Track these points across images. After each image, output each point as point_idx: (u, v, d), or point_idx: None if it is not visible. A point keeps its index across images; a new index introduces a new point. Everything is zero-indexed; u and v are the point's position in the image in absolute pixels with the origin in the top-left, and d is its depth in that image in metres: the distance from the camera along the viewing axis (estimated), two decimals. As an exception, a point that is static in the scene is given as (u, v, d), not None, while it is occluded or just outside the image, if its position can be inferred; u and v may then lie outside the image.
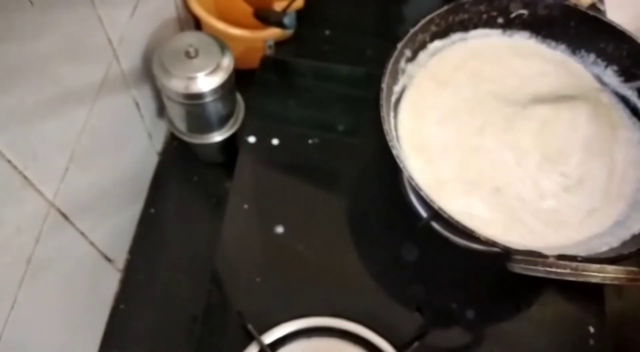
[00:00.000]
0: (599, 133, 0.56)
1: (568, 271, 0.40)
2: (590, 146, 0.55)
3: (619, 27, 0.55)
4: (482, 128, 0.56)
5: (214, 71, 0.61)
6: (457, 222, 0.45)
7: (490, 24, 0.60)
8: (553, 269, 0.41)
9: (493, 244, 0.45)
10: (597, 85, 0.59)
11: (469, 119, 0.57)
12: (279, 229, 0.59)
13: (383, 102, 0.50)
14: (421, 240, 0.58)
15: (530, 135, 0.56)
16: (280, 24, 0.68)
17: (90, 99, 0.54)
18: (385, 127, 0.49)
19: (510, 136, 0.56)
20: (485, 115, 0.57)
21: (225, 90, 0.64)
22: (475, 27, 0.60)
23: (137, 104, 0.66)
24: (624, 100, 0.57)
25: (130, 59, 0.62)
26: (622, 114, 0.57)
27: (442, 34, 0.58)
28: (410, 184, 0.49)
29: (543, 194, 0.53)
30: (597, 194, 0.53)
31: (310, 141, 0.65)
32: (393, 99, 0.55)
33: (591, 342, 0.54)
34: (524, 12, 0.59)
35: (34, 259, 0.47)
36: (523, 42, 0.61)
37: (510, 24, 0.60)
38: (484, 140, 0.55)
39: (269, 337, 0.52)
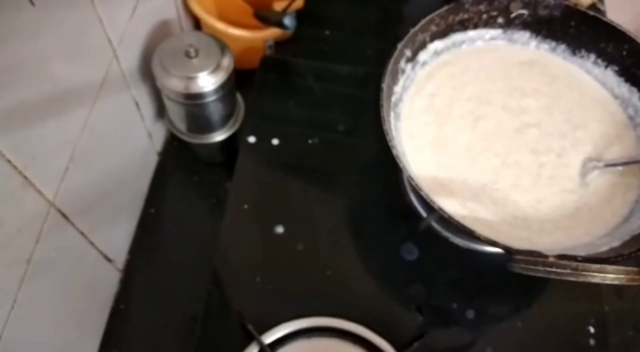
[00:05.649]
0: (602, 135, 0.56)
1: (568, 271, 0.40)
2: (592, 148, 0.55)
3: (619, 27, 0.55)
4: (483, 129, 0.56)
5: (214, 71, 0.61)
6: (457, 222, 0.45)
7: (490, 24, 0.60)
8: (553, 269, 0.41)
9: (493, 244, 0.45)
10: (602, 87, 0.59)
11: (469, 120, 0.57)
12: (279, 229, 0.59)
13: (383, 102, 0.50)
14: (421, 240, 0.58)
15: (533, 136, 0.56)
16: (280, 24, 0.68)
17: (90, 99, 0.54)
18: (385, 127, 0.49)
19: (513, 137, 0.56)
20: (487, 117, 0.57)
21: (225, 90, 0.64)
22: (475, 27, 0.60)
23: (137, 104, 0.66)
24: (626, 101, 0.57)
25: (130, 59, 0.62)
26: (623, 116, 0.57)
27: (442, 34, 0.58)
28: (410, 184, 0.49)
29: (544, 195, 0.53)
30: (598, 195, 0.53)
31: (310, 141, 0.65)
32: (393, 99, 0.55)
33: (591, 342, 0.54)
34: (524, 12, 0.59)
35: (34, 259, 0.47)
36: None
37: (510, 24, 0.60)
38: (485, 141, 0.55)
39: (269, 337, 0.52)
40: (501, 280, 0.56)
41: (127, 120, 0.66)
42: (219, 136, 0.72)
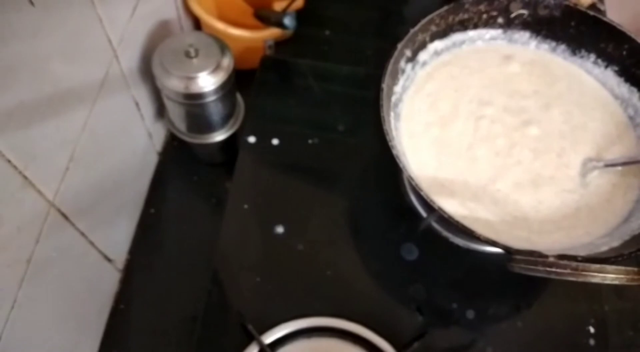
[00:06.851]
0: (602, 135, 0.56)
1: (568, 271, 0.40)
2: (593, 148, 0.55)
3: (619, 27, 0.55)
4: (484, 129, 0.56)
5: (214, 71, 0.61)
6: (457, 222, 0.45)
7: (490, 24, 0.60)
8: (553, 269, 0.41)
9: (493, 243, 0.45)
10: (602, 87, 0.59)
11: (470, 120, 0.57)
12: (279, 229, 0.59)
13: (383, 102, 0.50)
14: (421, 240, 0.58)
15: (534, 136, 0.56)
16: (280, 24, 0.68)
17: (90, 99, 0.54)
18: (385, 127, 0.49)
19: (513, 137, 0.56)
20: (487, 117, 0.57)
21: (225, 90, 0.64)
22: (475, 27, 0.60)
23: (137, 104, 0.66)
24: (626, 101, 0.57)
25: (130, 59, 0.62)
26: (623, 116, 0.57)
27: (442, 34, 0.58)
28: (410, 184, 0.49)
29: (545, 195, 0.53)
30: (599, 195, 0.53)
31: (310, 141, 0.65)
32: (393, 99, 0.55)
33: (591, 342, 0.54)
34: (524, 12, 0.59)
35: (34, 259, 0.47)
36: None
37: (510, 24, 0.60)
38: (485, 141, 0.55)
39: (269, 337, 0.52)
40: (501, 280, 0.56)
41: (127, 120, 0.66)
42: (219, 136, 0.72)
